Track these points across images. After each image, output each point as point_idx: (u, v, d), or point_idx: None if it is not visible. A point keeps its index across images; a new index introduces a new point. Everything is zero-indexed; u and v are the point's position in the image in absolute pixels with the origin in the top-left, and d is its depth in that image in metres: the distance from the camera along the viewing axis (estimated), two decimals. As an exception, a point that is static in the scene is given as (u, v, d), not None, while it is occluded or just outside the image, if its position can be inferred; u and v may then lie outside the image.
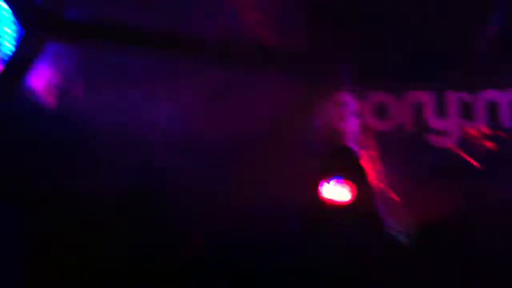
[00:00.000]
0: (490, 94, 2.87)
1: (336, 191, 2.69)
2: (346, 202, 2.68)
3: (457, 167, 2.84)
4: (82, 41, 2.74)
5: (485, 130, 2.85)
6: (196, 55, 2.80)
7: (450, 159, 2.86)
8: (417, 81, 2.90)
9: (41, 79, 2.75)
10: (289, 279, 2.71)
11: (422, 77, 2.89)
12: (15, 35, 2.65)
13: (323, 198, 2.75)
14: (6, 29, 2.69)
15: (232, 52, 2.80)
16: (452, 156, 2.86)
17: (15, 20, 2.62)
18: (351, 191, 2.67)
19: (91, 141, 2.74)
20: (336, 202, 2.69)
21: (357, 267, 2.72)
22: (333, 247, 2.75)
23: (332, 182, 2.71)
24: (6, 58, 2.59)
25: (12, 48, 2.60)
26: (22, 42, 2.62)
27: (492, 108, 2.87)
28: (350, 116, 2.89)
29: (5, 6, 2.63)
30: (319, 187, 2.76)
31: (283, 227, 2.75)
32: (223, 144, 2.69)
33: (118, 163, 2.72)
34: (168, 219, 2.74)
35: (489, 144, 2.85)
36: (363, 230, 2.69)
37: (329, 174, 2.72)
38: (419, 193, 2.83)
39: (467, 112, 2.88)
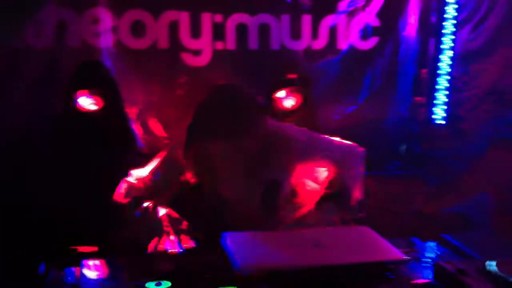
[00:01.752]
0: (240, 17, 3.10)
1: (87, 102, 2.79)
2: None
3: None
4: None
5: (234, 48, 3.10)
6: None
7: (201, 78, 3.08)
8: (172, 0, 3.00)
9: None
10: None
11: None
12: None
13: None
14: None
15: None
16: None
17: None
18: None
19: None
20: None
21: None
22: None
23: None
24: None
25: None
26: None
27: (242, 30, 3.11)
28: (105, 33, 2.92)
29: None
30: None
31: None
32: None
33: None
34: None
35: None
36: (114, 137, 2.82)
37: (80, 86, 2.77)
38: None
39: (218, 32, 3.09)
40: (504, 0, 3.37)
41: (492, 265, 1.58)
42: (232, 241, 1.67)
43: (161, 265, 1.67)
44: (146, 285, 1.52)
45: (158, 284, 1.53)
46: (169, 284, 1.54)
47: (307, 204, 2.07)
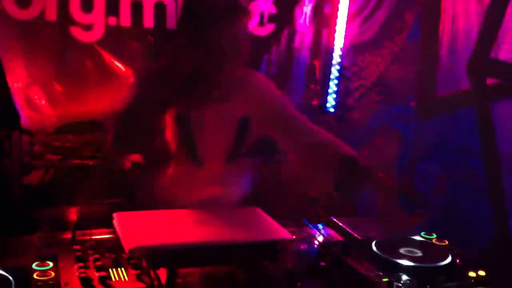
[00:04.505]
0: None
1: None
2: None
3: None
4: None
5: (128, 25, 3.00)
6: None
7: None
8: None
9: None
10: None
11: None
12: None
13: None
14: None
15: None
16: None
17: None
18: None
19: None
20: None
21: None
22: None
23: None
24: None
25: None
26: None
27: (137, 7, 3.01)
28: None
29: None
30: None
31: None
32: None
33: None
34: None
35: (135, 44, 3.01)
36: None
37: None
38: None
39: (112, 7, 2.95)
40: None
41: (375, 246, 1.68)
42: (121, 221, 1.62)
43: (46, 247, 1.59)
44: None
45: (41, 265, 1.47)
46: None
47: None
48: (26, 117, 2.85)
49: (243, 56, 2.12)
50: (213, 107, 2.13)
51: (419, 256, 1.69)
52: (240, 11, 2.08)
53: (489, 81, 3.07)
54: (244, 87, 2.17)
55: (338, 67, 3.55)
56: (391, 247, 1.72)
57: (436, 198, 3.48)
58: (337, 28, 3.53)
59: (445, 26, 3.27)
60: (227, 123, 2.16)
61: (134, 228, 1.56)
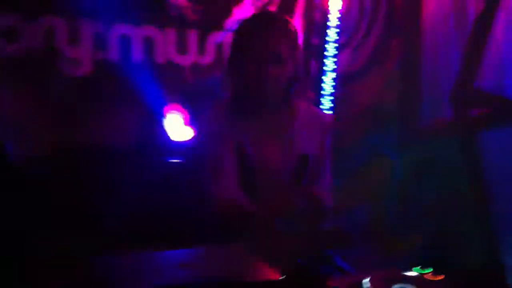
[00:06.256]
0: (123, 28, 2.99)
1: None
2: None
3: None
4: None
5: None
6: None
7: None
8: (50, 6, 2.82)
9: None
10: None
11: (55, 3, 2.83)
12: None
13: None
14: None
15: None
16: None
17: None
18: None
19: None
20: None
21: None
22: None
23: None
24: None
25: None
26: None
27: (124, 41, 3.00)
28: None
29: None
30: None
31: None
32: None
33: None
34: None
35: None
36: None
37: None
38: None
39: (100, 43, 2.94)
40: (379, 26, 3.60)
41: (366, 283, 1.63)
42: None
43: None
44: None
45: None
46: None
47: None
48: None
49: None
50: (274, 142, 2.18)
51: (414, 293, 1.65)
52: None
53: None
54: (306, 123, 2.26)
55: (331, 97, 3.54)
56: (383, 285, 1.67)
57: (427, 223, 3.48)
58: (327, 58, 3.53)
59: (427, 57, 3.34)
60: (287, 159, 2.18)
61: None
